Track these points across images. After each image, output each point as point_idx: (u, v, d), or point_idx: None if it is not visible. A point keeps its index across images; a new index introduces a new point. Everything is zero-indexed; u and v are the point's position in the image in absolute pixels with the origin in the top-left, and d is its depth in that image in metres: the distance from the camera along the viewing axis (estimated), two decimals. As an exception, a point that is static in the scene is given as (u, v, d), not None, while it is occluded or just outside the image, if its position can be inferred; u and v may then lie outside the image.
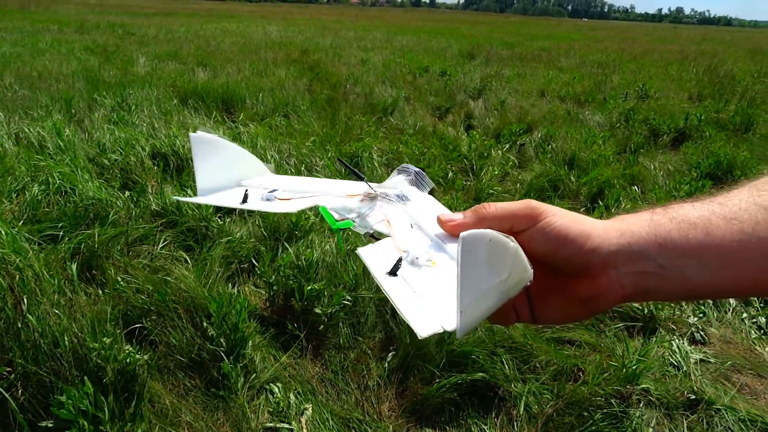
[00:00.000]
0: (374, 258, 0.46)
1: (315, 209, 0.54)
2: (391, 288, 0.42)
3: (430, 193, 0.59)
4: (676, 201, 0.45)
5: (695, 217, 0.41)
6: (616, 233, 0.42)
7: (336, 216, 0.52)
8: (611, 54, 12.76)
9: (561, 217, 0.42)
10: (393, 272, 0.43)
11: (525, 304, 0.45)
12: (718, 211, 0.41)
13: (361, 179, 0.59)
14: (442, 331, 0.36)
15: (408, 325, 0.37)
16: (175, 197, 0.56)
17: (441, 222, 0.47)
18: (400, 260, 0.44)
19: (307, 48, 10.65)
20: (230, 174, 0.60)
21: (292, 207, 0.55)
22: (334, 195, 0.58)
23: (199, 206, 2.69)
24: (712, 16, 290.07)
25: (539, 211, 0.43)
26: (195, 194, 0.59)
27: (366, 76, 7.36)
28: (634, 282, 0.41)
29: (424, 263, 0.44)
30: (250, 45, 10.79)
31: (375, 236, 0.50)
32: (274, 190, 0.58)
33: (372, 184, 0.58)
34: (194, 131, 0.59)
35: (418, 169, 0.61)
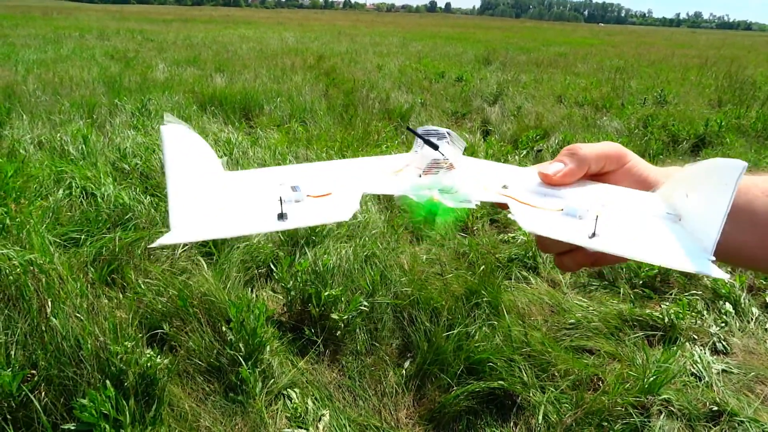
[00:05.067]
0: (542, 224, 0.38)
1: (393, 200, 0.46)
2: (620, 247, 0.36)
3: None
4: None
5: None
6: None
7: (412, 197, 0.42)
8: (629, 59, 12.65)
9: (641, 160, 0.46)
10: (593, 234, 0.37)
11: None
12: (759, 182, 0.43)
13: (436, 148, 0.50)
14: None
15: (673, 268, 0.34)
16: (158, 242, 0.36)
17: (545, 175, 0.46)
18: (596, 219, 0.38)
19: (323, 53, 10.72)
20: (210, 184, 0.42)
21: (341, 208, 0.41)
22: (377, 175, 0.47)
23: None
24: (731, 20, 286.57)
25: (625, 152, 0.46)
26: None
27: (382, 82, 7.38)
28: None
29: (588, 215, 0.40)
30: (267, 51, 10.90)
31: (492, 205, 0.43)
32: (296, 187, 0.43)
33: (442, 153, 0.48)
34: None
35: (447, 130, 0.53)
